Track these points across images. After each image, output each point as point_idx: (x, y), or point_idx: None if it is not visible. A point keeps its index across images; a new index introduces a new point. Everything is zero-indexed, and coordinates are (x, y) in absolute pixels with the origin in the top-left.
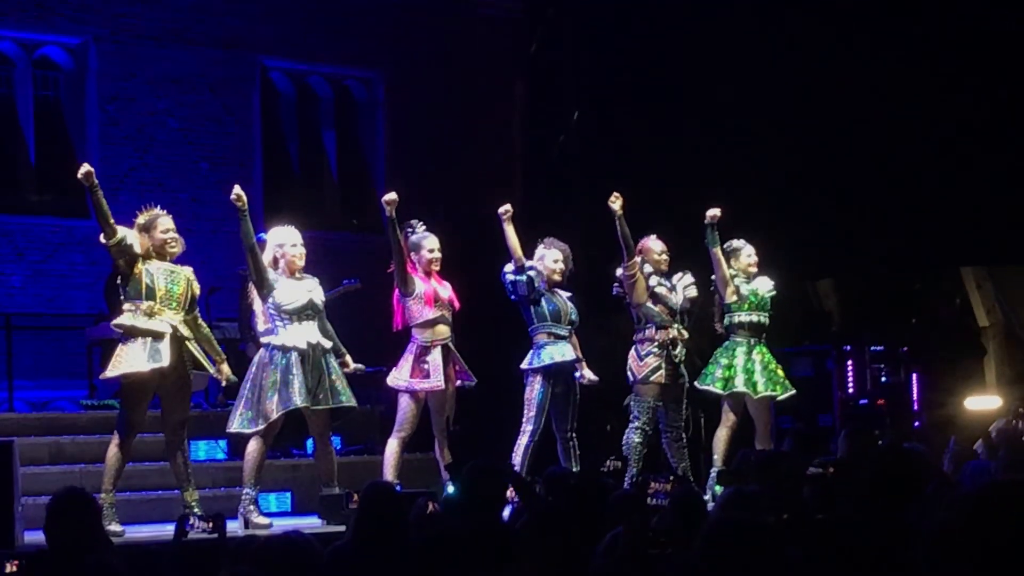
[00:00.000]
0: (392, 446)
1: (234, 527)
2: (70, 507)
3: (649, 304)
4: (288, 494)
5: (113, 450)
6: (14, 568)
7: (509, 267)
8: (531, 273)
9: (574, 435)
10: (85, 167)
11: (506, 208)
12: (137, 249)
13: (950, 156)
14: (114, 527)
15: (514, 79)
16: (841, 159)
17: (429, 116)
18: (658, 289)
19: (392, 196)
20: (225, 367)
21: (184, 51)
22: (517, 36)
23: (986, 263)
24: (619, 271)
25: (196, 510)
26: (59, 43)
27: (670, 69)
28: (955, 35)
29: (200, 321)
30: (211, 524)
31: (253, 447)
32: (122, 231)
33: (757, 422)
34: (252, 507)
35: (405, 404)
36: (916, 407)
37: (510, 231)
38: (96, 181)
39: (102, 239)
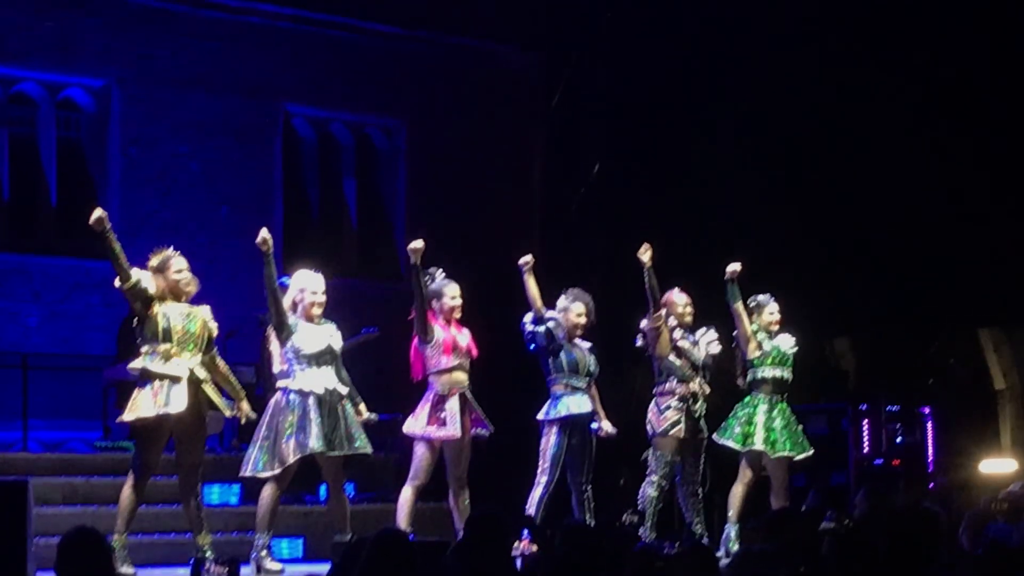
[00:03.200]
0: (406, 494)
1: (246, 573)
2: (80, 546)
3: (672, 357)
4: (300, 540)
5: (127, 491)
6: None
7: (528, 317)
8: (550, 324)
9: (589, 487)
10: (97, 212)
11: (527, 259)
12: (152, 291)
13: (970, 217)
14: (126, 569)
15: (534, 130)
16: (860, 218)
17: (449, 165)
18: (681, 343)
19: (418, 244)
20: (245, 404)
21: (207, 96)
22: (538, 88)
23: (1004, 324)
24: (643, 322)
25: (209, 554)
26: (82, 85)
27: (689, 123)
28: (980, 95)
29: (218, 360)
30: (226, 569)
31: (268, 492)
32: (136, 274)
33: (773, 479)
34: (265, 553)
35: (421, 452)
36: (931, 468)
37: (530, 282)
38: (109, 226)
39: (117, 283)
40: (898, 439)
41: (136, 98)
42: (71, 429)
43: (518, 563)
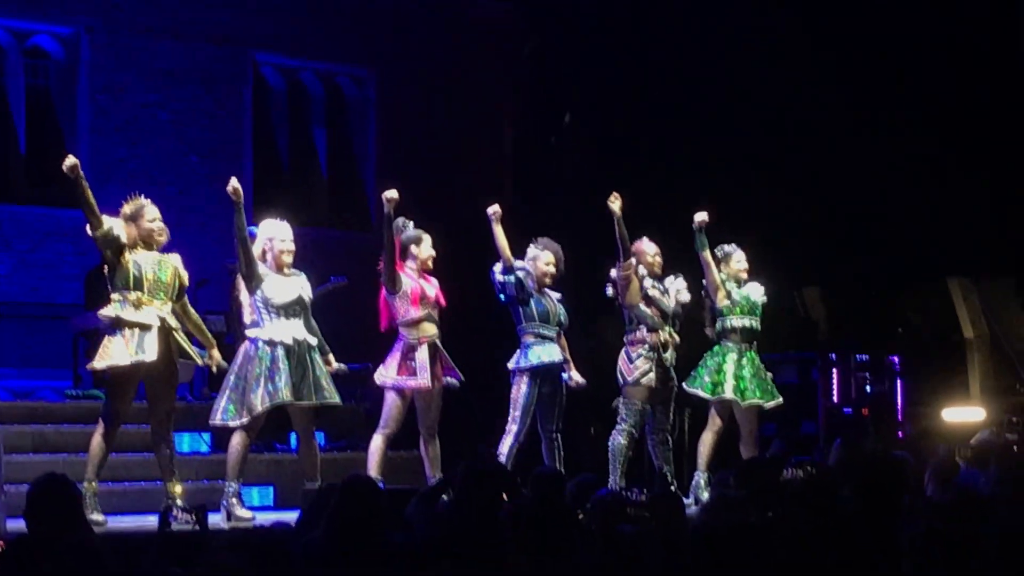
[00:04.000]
0: (376, 442)
1: (216, 520)
2: (50, 493)
3: (642, 306)
4: (271, 488)
5: (97, 439)
6: None
7: (498, 267)
8: (520, 274)
9: (559, 436)
10: (70, 159)
11: (495, 209)
12: (124, 239)
13: (938, 167)
14: (96, 516)
15: (506, 79)
16: (830, 168)
17: (420, 115)
18: (651, 291)
19: (393, 193)
20: (215, 353)
21: (177, 44)
22: (509, 38)
23: (973, 275)
24: (613, 272)
25: (179, 502)
26: (51, 32)
27: (662, 74)
28: (943, 51)
29: (189, 308)
30: (194, 516)
31: (237, 441)
32: (108, 222)
33: (742, 428)
34: (235, 500)
35: (391, 401)
36: (900, 417)
37: (499, 231)
38: (82, 173)
39: (88, 230)
40: (867, 388)
41: (105, 46)
42: (41, 378)
43: None
